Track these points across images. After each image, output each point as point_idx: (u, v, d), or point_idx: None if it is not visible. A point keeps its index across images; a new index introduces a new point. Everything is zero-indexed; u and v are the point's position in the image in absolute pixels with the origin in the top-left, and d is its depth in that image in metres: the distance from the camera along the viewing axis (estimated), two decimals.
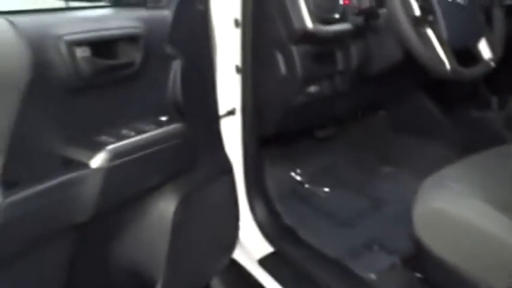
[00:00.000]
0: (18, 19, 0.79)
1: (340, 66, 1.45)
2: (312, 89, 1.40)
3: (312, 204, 1.79)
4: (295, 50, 1.30)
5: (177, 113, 1.11)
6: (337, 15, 1.34)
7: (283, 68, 1.34)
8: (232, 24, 1.36)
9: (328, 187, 1.89)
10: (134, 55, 0.97)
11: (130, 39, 0.97)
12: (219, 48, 1.38)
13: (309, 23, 1.24)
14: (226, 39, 1.39)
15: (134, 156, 0.94)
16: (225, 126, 1.37)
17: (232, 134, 1.46)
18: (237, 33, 1.36)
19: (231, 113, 1.50)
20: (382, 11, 1.34)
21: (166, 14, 1.05)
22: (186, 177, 1.14)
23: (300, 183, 1.90)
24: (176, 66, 1.09)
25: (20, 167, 0.82)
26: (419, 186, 1.14)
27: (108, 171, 0.89)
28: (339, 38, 1.39)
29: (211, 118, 1.27)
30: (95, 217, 0.90)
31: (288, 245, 1.56)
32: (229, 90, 1.45)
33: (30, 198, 0.78)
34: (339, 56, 1.44)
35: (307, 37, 1.28)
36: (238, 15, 1.33)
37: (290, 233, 1.61)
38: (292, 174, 1.91)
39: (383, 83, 1.67)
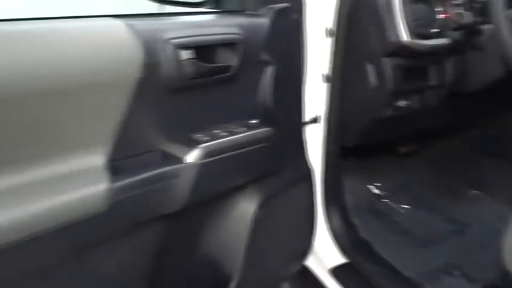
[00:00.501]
0: (134, 22, 0.87)
1: (432, 81, 1.41)
2: (401, 102, 1.37)
3: (389, 220, 1.75)
4: (387, 62, 1.29)
5: (266, 117, 1.15)
6: (434, 30, 1.30)
7: (373, 80, 1.33)
8: (324, 34, 1.37)
9: (407, 204, 1.83)
10: (231, 59, 1.02)
11: (230, 44, 1.02)
12: (309, 56, 1.40)
13: (404, 36, 1.22)
14: (316, 47, 1.41)
15: (224, 155, 0.99)
16: (307, 133, 1.38)
17: (314, 142, 1.47)
18: (328, 42, 1.37)
19: (315, 120, 1.51)
20: (484, 27, 1.28)
21: (264, 21, 1.09)
22: (269, 181, 1.17)
23: (378, 197, 1.86)
24: (269, 72, 1.13)
25: (124, 157, 0.90)
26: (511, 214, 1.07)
27: (201, 167, 0.94)
28: (434, 53, 1.35)
29: (296, 124, 1.29)
30: (183, 210, 0.95)
31: (362, 257, 1.54)
32: (314, 98, 1.47)
33: (132, 186, 0.85)
34: (433, 70, 1.40)
35: (401, 50, 1.26)
36: (331, 24, 1.34)
37: (365, 246, 1.59)
38: (370, 187, 1.87)
39: (477, 101, 1.59)
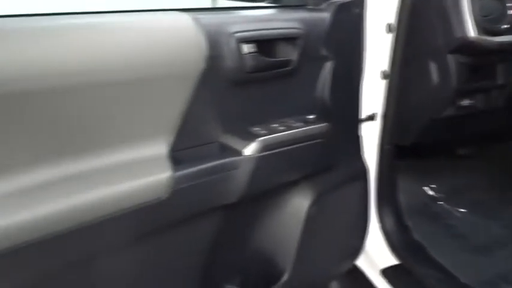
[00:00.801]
0: (199, 16, 0.89)
1: (500, 80, 1.34)
2: (465, 102, 1.32)
3: (444, 223, 1.69)
4: (451, 60, 1.24)
5: (323, 112, 1.14)
6: (505, 26, 1.24)
7: (435, 77, 1.29)
8: (385, 29, 1.34)
9: (463, 208, 1.76)
10: (291, 54, 1.02)
11: (290, 39, 1.02)
12: (368, 52, 1.37)
13: (472, 32, 1.17)
14: (376, 43, 1.38)
15: (282, 149, 0.99)
16: (363, 131, 1.36)
17: (369, 140, 1.44)
18: (389, 38, 1.34)
19: (371, 118, 1.48)
20: None
21: (325, 16, 1.08)
22: (324, 177, 1.16)
23: (433, 199, 1.80)
24: (328, 67, 1.12)
25: (185, 147, 0.92)
26: None
27: (258, 160, 0.95)
28: (503, 50, 1.28)
29: (353, 121, 1.27)
30: (239, 202, 0.97)
31: (415, 260, 1.49)
32: (371, 95, 1.44)
33: (192, 176, 0.87)
34: (501, 69, 1.33)
35: (467, 47, 1.21)
36: (392, 20, 1.31)
37: (418, 248, 1.54)
38: (426, 188, 1.82)
39: None
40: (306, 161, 1.07)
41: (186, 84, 0.87)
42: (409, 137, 1.43)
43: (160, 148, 0.88)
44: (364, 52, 1.30)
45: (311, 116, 1.07)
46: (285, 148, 1.00)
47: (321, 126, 1.07)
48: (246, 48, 0.93)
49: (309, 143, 1.04)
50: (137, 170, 0.83)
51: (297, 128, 1.02)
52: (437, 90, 1.29)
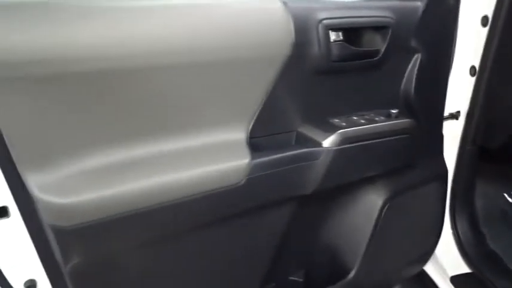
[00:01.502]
0: (289, 0, 0.86)
1: None
2: None
3: None
4: None
5: (407, 107, 1.08)
6: None
7: None
8: (479, 22, 1.25)
9: None
10: (379, 44, 0.97)
11: (379, 28, 0.97)
12: (458, 45, 1.29)
13: None
14: (467, 37, 1.29)
15: (362, 143, 0.95)
16: (445, 129, 1.28)
17: (450, 139, 1.36)
18: (483, 32, 1.24)
19: (454, 116, 1.40)
20: None
21: (418, 5, 1.02)
22: (402, 175, 1.11)
23: None
24: (415, 60, 1.05)
25: (263, 134, 0.91)
26: None
27: (337, 153, 0.92)
28: None
29: (437, 119, 1.20)
30: (313, 194, 0.94)
31: (488, 269, 1.41)
32: (456, 92, 1.35)
33: (270, 164, 0.85)
34: None
35: None
36: (489, 12, 1.21)
37: (494, 258, 1.45)
38: (505, 195, 1.69)
39: None
40: (386, 157, 1.02)
41: (270, 69, 0.85)
42: (496, 139, 1.33)
43: (239, 134, 0.87)
44: (454, 45, 1.22)
45: (394, 111, 1.01)
46: (366, 142, 0.95)
47: (405, 121, 1.01)
48: (333, 36, 0.89)
49: (391, 138, 0.99)
50: (216, 154, 0.82)
51: (380, 122, 0.98)
52: None
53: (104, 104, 0.72)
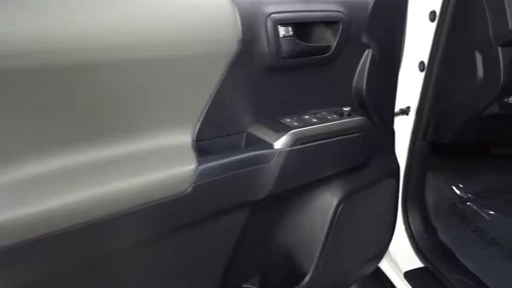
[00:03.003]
0: None
1: None
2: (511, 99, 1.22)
3: (473, 226, 1.60)
4: (501, 53, 1.14)
5: (359, 104, 1.06)
6: None
7: (480, 71, 1.19)
8: (427, 17, 1.25)
9: (494, 210, 1.67)
10: (331, 39, 0.94)
11: (330, 23, 0.93)
12: (407, 41, 1.28)
13: None
14: (415, 32, 1.28)
15: (315, 143, 0.91)
16: (395, 125, 1.27)
17: (400, 135, 1.36)
18: (431, 27, 1.24)
19: (405, 112, 1.40)
20: None
21: (368, 0, 0.99)
22: (356, 173, 1.08)
23: (462, 199, 1.71)
24: (366, 56, 1.03)
25: (212, 136, 0.85)
26: None
27: (289, 154, 0.87)
28: None
29: (389, 115, 1.18)
30: (268, 198, 0.89)
31: (442, 263, 1.42)
32: (406, 88, 1.35)
33: (218, 169, 0.79)
34: None
35: None
36: (437, 7, 1.21)
37: (445, 251, 1.46)
38: (454, 188, 1.73)
39: None
40: (341, 156, 0.99)
41: (217, 67, 0.79)
42: (446, 134, 1.34)
43: (185, 137, 0.80)
44: (403, 40, 1.21)
45: (346, 108, 0.98)
46: (320, 142, 0.91)
47: (357, 119, 0.98)
48: (283, 31, 0.84)
49: (344, 137, 0.96)
50: (159, 160, 0.75)
51: (332, 121, 0.94)
52: (482, 85, 1.19)
53: (31, 106, 0.63)
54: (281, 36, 0.84)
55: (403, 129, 1.40)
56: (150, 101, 0.74)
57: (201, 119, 0.81)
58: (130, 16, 0.67)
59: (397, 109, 1.36)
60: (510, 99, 1.22)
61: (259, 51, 0.83)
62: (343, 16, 0.93)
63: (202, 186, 0.76)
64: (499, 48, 1.13)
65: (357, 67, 1.02)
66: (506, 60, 1.13)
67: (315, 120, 0.93)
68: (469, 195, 1.69)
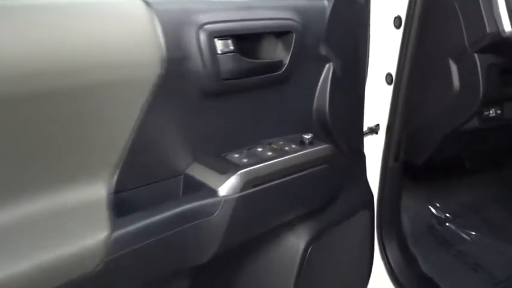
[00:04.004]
0: (156, 1, 0.62)
1: None
2: (492, 111, 1.08)
3: (455, 250, 1.46)
4: (478, 60, 0.99)
5: (322, 128, 0.89)
6: None
7: (456, 82, 1.05)
8: (392, 23, 1.10)
9: (474, 230, 1.53)
10: (283, 54, 0.76)
11: (281, 34, 0.76)
12: (371, 51, 1.13)
13: (507, 26, 0.93)
14: (381, 40, 1.14)
15: (272, 183, 0.73)
16: (364, 145, 1.11)
17: (370, 156, 1.20)
18: (397, 34, 1.10)
19: (374, 131, 1.25)
20: None
21: (325, 5, 0.83)
22: (324, 210, 0.91)
23: (440, 219, 1.57)
24: (327, 70, 0.86)
25: (136, 185, 0.65)
26: None
27: (240, 201, 0.68)
28: None
29: (357, 137, 1.02)
30: (216, 257, 0.70)
31: None
32: (374, 103, 1.20)
33: (141, 233, 0.60)
34: None
35: (500, 45, 0.96)
36: (402, 12, 1.07)
37: (427, 283, 1.31)
38: (430, 207, 1.58)
39: None
40: (305, 195, 0.81)
41: (137, 96, 0.60)
42: (420, 154, 1.19)
43: (97, 190, 0.60)
44: (368, 51, 1.06)
45: (308, 136, 0.81)
46: (277, 181, 0.73)
47: (323, 148, 0.81)
48: (221, 45, 0.67)
49: (307, 171, 0.78)
50: (59, 228, 0.55)
51: (291, 153, 0.76)
52: (459, 98, 1.05)
53: None
54: (219, 52, 0.66)
55: (373, 149, 1.25)
56: (50, 144, 0.54)
57: (120, 164, 0.61)
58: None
59: (365, 128, 1.21)
60: (491, 112, 1.08)
61: (191, 73, 0.65)
62: (296, 25, 0.76)
63: (117, 259, 0.56)
64: (476, 55, 0.99)
65: (316, 85, 0.86)
66: (484, 69, 0.99)
67: (270, 153, 0.75)
68: (447, 214, 1.55)
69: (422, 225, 1.53)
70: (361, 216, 1.05)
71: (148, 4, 0.61)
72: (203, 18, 0.65)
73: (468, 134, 1.13)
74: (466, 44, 0.98)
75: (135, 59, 0.59)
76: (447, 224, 1.55)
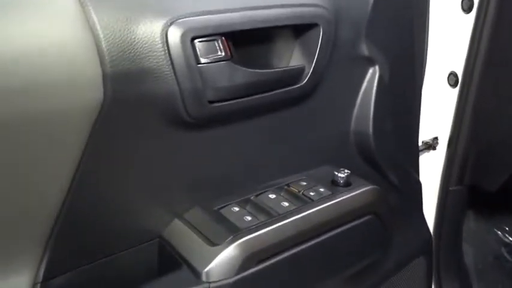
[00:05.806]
0: None
1: None
2: None
3: None
4: None
5: (363, 159, 0.64)
6: None
7: None
8: (459, 6, 0.85)
9: None
10: (303, 58, 0.52)
11: (303, 27, 0.51)
12: (430, 44, 0.88)
13: None
14: (443, 30, 0.89)
15: (288, 253, 0.49)
16: None
17: (424, 178, 0.95)
18: (467, 20, 0.87)
19: (431, 146, 1.01)
20: None
21: None
22: (371, 266, 0.67)
23: (509, 248, 1.30)
24: (371, 77, 0.62)
25: (73, 267, 0.43)
26: None
27: (240, 285, 0.45)
28: None
29: (410, 162, 0.77)
30: None
31: None
32: (432, 111, 0.95)
33: None
34: None
35: None
36: None
37: None
38: (499, 232, 1.31)
39: None
40: (339, 263, 0.57)
41: (69, 137, 0.39)
42: (494, 178, 0.94)
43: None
44: (427, 45, 0.81)
45: (342, 174, 0.56)
46: (297, 249, 0.50)
47: (366, 190, 0.57)
48: (204, 49, 0.43)
49: (344, 228, 0.54)
50: None
51: (322, 202, 0.52)
52: None
53: None
54: (202, 61, 0.43)
55: (429, 169, 1.01)
56: None
57: (49, 244, 0.40)
58: None
59: (419, 143, 0.96)
60: None
61: (157, 95, 0.42)
62: (324, 14, 0.52)
63: None
64: None
65: (355, 99, 0.62)
66: None
67: (287, 204, 0.51)
68: None
69: (488, 254, 1.27)
70: (417, 264, 0.80)
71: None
72: (173, 9, 0.42)
73: None
74: None
75: (62, 80, 0.37)
76: None
